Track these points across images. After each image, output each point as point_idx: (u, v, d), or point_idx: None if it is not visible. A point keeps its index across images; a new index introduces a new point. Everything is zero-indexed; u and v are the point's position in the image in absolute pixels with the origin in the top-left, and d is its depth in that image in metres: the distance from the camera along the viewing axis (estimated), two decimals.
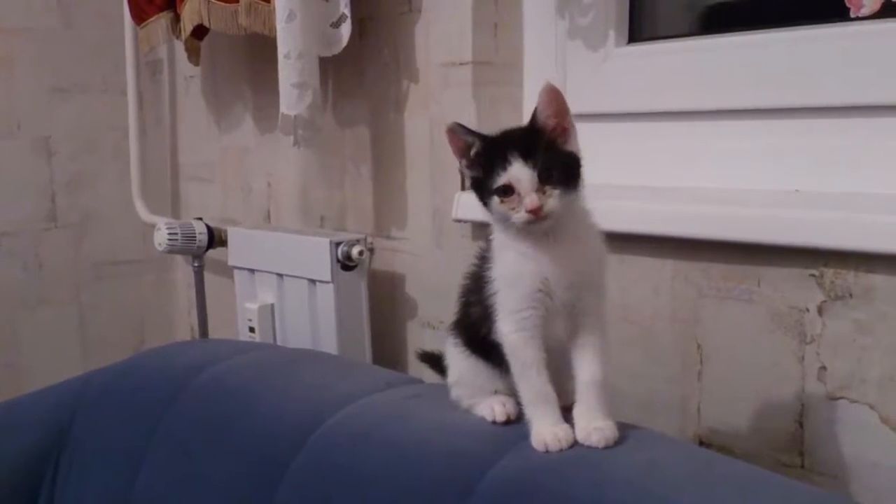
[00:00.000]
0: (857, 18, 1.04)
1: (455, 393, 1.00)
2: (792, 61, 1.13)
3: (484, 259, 0.93)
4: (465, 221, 1.37)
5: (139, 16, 1.86)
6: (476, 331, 0.94)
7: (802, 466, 1.04)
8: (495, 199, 0.86)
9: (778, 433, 1.06)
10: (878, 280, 0.97)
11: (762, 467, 0.90)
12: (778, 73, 1.14)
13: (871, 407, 0.98)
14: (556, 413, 0.89)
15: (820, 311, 1.02)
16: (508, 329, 0.89)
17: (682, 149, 1.24)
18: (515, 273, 0.88)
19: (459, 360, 0.98)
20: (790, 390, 1.05)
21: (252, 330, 1.66)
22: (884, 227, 0.95)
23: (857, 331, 0.99)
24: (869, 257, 0.97)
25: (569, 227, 0.88)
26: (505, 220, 0.87)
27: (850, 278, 0.99)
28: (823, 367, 1.02)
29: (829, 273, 1.01)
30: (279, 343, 1.64)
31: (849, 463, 1.00)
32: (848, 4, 1.04)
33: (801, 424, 1.04)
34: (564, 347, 0.90)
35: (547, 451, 0.87)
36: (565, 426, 0.88)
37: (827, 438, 1.02)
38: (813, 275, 1.02)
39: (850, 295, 0.99)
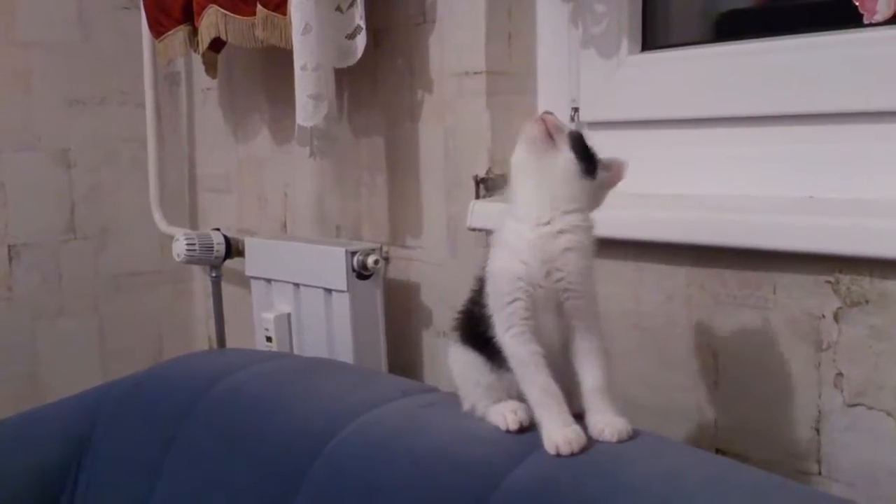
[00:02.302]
0: (871, 25, 1.04)
1: (466, 400, 1.00)
2: (805, 68, 1.13)
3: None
4: (480, 230, 1.37)
5: (157, 29, 1.88)
6: (476, 325, 0.95)
7: (819, 473, 1.04)
8: None
9: (795, 440, 1.06)
10: (894, 286, 0.96)
11: (779, 475, 0.89)
12: (791, 79, 1.14)
13: (889, 414, 0.98)
14: (564, 413, 0.89)
15: (836, 317, 1.02)
16: (501, 329, 0.91)
17: (696, 156, 1.24)
18: (500, 265, 0.92)
19: (462, 358, 0.99)
20: (807, 397, 1.04)
21: (269, 339, 1.67)
22: None
23: (873, 337, 0.99)
24: (885, 263, 0.96)
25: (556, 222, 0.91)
26: None
27: (865, 284, 0.99)
28: (840, 374, 1.02)
29: (845, 279, 1.00)
30: (296, 352, 1.65)
31: (866, 470, 0.99)
32: (861, 11, 1.04)
33: (817, 431, 1.04)
34: (561, 350, 0.91)
35: (559, 455, 0.87)
36: (576, 427, 0.88)
37: (844, 445, 1.01)
38: (828, 281, 1.02)
39: (866, 301, 0.99)
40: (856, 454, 1.00)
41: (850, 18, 1.05)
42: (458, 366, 1.00)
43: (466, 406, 1.00)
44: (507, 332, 0.91)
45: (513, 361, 0.91)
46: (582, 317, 0.92)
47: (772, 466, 1.06)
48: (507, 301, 0.90)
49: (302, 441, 1.08)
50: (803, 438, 1.05)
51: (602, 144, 0.93)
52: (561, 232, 0.91)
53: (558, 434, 0.87)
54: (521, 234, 0.91)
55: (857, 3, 1.04)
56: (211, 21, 1.70)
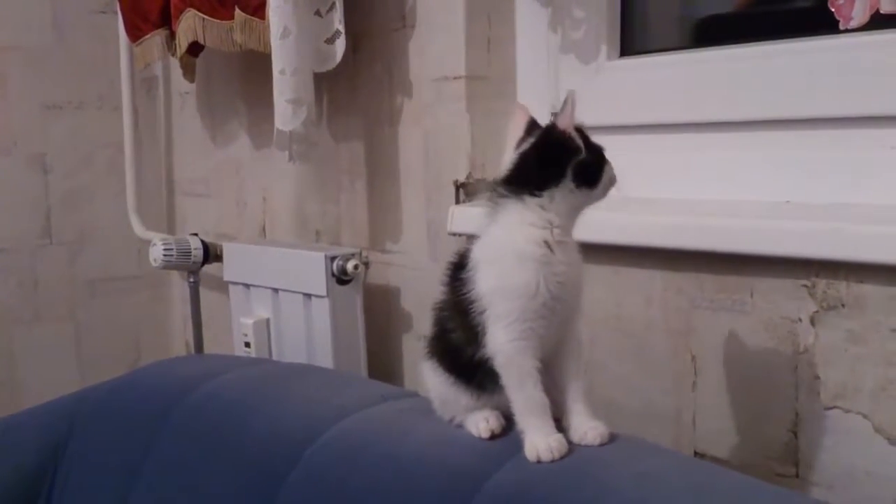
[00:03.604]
0: (847, 31, 1.05)
1: (440, 412, 0.99)
2: (781, 74, 1.15)
3: (458, 282, 0.91)
4: (461, 234, 1.37)
5: (134, 33, 1.87)
6: (460, 355, 0.92)
7: (797, 476, 1.05)
8: None
9: (772, 443, 1.07)
10: (870, 290, 0.97)
11: (757, 477, 0.90)
12: (767, 85, 1.15)
13: (865, 416, 0.99)
14: (549, 423, 0.89)
15: (812, 321, 1.02)
16: (506, 338, 0.87)
17: (674, 161, 1.25)
18: (523, 281, 0.86)
19: (441, 384, 0.96)
20: (784, 400, 1.05)
21: (247, 345, 1.66)
22: (875, 237, 0.95)
23: (849, 340, 1.00)
24: (860, 267, 0.97)
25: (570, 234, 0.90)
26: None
27: (841, 288, 1.00)
28: (817, 377, 1.03)
29: (821, 283, 1.01)
30: (275, 358, 1.64)
31: (843, 472, 1.00)
32: (837, 17, 1.05)
33: (795, 434, 1.05)
34: (549, 357, 0.90)
35: (539, 462, 0.87)
36: (558, 436, 0.88)
37: (821, 448, 1.02)
38: (805, 285, 1.03)
39: (843, 305, 1.00)
40: (833, 456, 1.01)
41: (826, 24, 1.06)
42: (436, 391, 0.98)
43: (439, 413, 0.99)
44: (512, 343, 0.86)
45: (510, 372, 0.88)
46: (576, 323, 0.91)
47: (749, 469, 1.07)
48: (530, 317, 0.86)
49: (281, 447, 1.08)
50: (781, 441, 1.06)
51: None
52: (574, 249, 0.89)
53: (541, 442, 0.87)
54: (555, 246, 0.87)
55: (833, 10, 1.05)
56: (188, 25, 1.69)
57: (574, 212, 0.89)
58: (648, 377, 1.19)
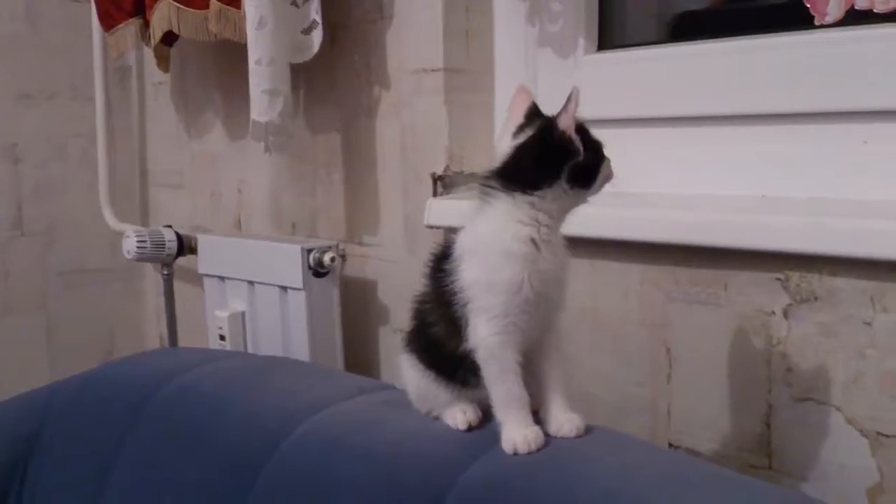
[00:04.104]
0: (822, 26, 1.06)
1: (417, 405, 0.99)
2: (758, 69, 1.15)
3: (441, 273, 0.89)
4: (438, 227, 1.37)
5: (108, 22, 1.85)
6: (441, 350, 0.91)
7: (770, 468, 1.06)
8: None
9: (746, 435, 1.08)
10: (843, 283, 0.98)
11: (730, 469, 0.91)
12: (744, 80, 1.16)
13: (837, 408, 1.00)
14: (527, 416, 0.89)
15: (785, 314, 1.03)
16: (488, 332, 0.86)
17: (650, 155, 1.25)
18: (509, 276, 0.85)
19: (420, 380, 0.96)
20: (757, 392, 1.06)
21: (222, 338, 1.65)
22: (848, 231, 0.96)
23: (822, 333, 1.01)
24: (833, 261, 0.98)
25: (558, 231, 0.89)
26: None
27: (814, 282, 1.01)
28: (789, 370, 1.03)
29: (795, 277, 1.02)
30: (250, 351, 1.63)
31: (816, 464, 1.01)
32: (812, 13, 1.06)
33: (768, 426, 1.06)
34: (530, 351, 0.90)
35: (516, 454, 0.87)
36: (535, 428, 0.88)
37: (794, 440, 1.03)
38: (778, 278, 1.04)
39: (815, 298, 1.01)
40: (805, 448, 1.02)
41: (802, 20, 1.07)
42: (414, 385, 0.98)
43: (416, 406, 0.99)
44: (494, 337, 0.86)
45: (491, 366, 0.87)
46: (559, 317, 0.91)
47: (723, 460, 1.08)
48: (513, 312, 0.86)
49: (256, 439, 1.07)
50: (754, 433, 1.07)
51: None
52: (561, 246, 0.89)
53: (518, 434, 0.87)
54: (542, 244, 0.86)
55: (808, 6, 1.06)
56: (163, 14, 1.67)
57: (564, 211, 0.89)
58: (624, 370, 1.19)
